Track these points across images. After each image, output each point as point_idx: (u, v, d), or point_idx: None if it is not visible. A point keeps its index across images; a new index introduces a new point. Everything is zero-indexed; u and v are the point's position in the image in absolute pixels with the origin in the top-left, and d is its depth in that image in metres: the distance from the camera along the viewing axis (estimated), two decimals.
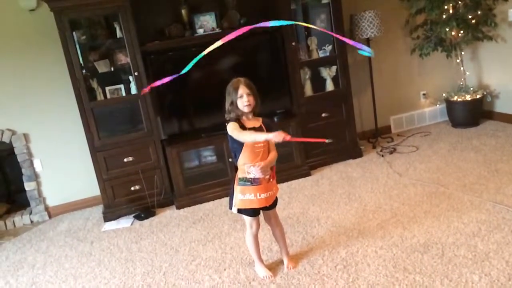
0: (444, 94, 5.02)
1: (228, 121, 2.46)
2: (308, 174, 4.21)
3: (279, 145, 2.49)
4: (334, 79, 4.39)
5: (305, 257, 2.77)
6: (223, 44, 2.50)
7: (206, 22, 4.01)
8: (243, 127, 2.42)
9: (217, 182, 4.01)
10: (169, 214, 3.86)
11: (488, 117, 4.97)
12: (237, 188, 2.47)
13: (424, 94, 5.22)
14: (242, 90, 2.42)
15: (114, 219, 3.90)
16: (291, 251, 2.82)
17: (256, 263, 2.68)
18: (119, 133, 3.95)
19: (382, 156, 4.43)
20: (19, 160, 4.10)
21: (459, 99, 4.83)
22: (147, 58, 3.84)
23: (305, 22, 4.12)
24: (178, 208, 3.93)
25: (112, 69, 3.93)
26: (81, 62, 3.78)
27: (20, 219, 4.16)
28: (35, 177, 4.17)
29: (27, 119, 4.08)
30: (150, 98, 3.87)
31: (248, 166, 2.42)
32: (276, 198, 2.60)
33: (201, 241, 3.24)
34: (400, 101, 5.14)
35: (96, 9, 3.70)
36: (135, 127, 4.01)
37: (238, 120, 2.45)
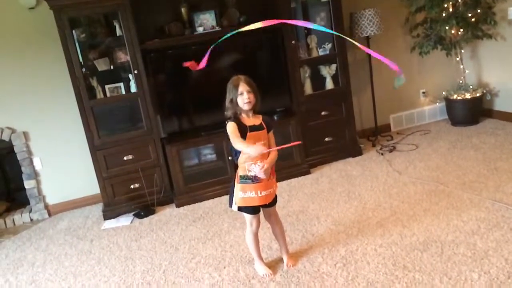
0: (443, 93, 5.02)
1: (228, 119, 2.46)
2: (308, 172, 4.21)
3: (277, 145, 2.51)
4: (334, 78, 4.39)
5: (305, 255, 2.78)
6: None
7: (206, 20, 4.01)
8: (242, 126, 2.42)
9: (217, 180, 4.01)
10: (168, 212, 3.86)
11: (487, 115, 4.98)
12: (238, 186, 2.47)
13: (423, 93, 5.22)
14: (243, 88, 2.41)
15: (113, 217, 3.90)
16: (290, 249, 2.82)
17: (256, 261, 2.69)
18: (119, 131, 3.96)
19: (382, 154, 4.43)
20: (18, 158, 4.10)
21: (458, 98, 4.83)
22: (147, 56, 3.84)
23: (305, 21, 4.11)
24: (178, 206, 3.94)
25: (112, 67, 3.93)
26: (81, 60, 3.78)
27: (19, 217, 4.16)
28: (35, 175, 4.18)
29: (26, 117, 4.08)
30: (149, 97, 3.87)
31: (249, 164, 2.42)
32: (276, 195, 2.61)
33: (201, 239, 3.24)
34: (400, 100, 5.14)
35: (95, 7, 3.69)
36: (135, 125, 4.01)
37: (237, 118, 2.45)
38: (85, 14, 3.78)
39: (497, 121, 4.82)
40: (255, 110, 2.48)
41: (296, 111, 4.25)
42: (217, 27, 3.99)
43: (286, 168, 4.09)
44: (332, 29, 4.12)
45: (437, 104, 5.21)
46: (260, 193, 2.45)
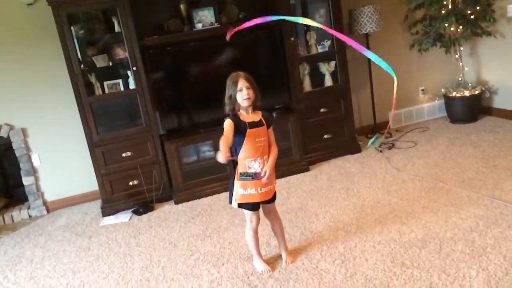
0: (442, 90, 5.02)
1: (227, 115, 2.46)
2: (307, 170, 4.21)
3: (276, 142, 2.52)
4: (333, 75, 4.38)
5: (304, 252, 2.78)
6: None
7: (205, 17, 4.00)
8: (241, 123, 2.42)
9: (216, 177, 4.01)
10: (167, 209, 3.86)
11: (486, 112, 4.98)
12: (238, 183, 2.47)
13: (422, 90, 5.22)
14: (242, 84, 2.41)
15: (112, 214, 3.90)
16: (289, 246, 2.82)
17: (254, 257, 2.69)
18: (118, 128, 3.95)
19: (381, 151, 4.43)
20: (17, 154, 4.09)
21: (457, 95, 4.83)
22: (146, 53, 3.83)
23: (304, 17, 4.10)
24: (177, 203, 3.93)
25: (110, 63, 3.91)
26: (79, 56, 3.76)
27: (18, 214, 4.15)
28: (33, 171, 4.17)
29: (25, 113, 4.07)
30: (148, 93, 3.87)
31: (249, 161, 2.42)
32: (275, 191, 2.61)
33: (200, 235, 3.24)
34: (399, 97, 5.10)
35: (94, 3, 3.68)
36: (134, 122, 4.00)
37: (236, 115, 2.45)
38: (83, 10, 3.76)
39: (496, 119, 4.82)
40: (255, 106, 2.48)
41: (295, 108, 4.25)
42: (216, 24, 3.98)
43: (285, 165, 4.09)
44: (331, 26, 4.11)
45: (436, 101, 5.21)
46: (260, 190, 2.45)
